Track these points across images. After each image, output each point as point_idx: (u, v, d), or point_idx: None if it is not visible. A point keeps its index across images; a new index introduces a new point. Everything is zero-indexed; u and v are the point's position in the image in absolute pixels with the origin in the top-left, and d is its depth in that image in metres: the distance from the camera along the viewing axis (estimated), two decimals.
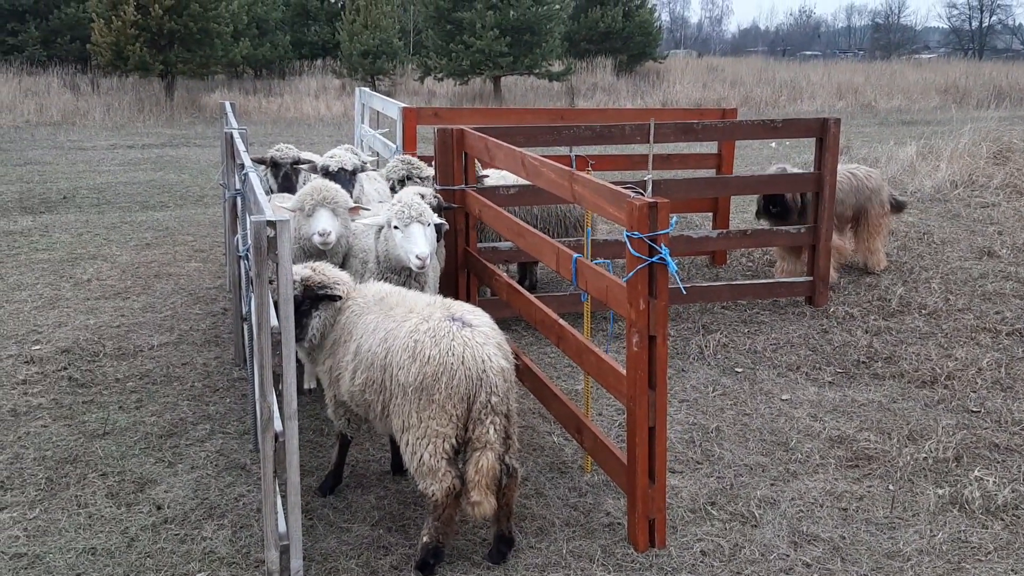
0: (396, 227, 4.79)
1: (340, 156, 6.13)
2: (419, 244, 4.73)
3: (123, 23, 23.94)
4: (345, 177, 5.97)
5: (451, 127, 6.16)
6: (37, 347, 6.62)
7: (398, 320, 4.06)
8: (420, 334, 3.90)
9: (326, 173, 5.98)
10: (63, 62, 30.33)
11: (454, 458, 3.88)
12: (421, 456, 3.84)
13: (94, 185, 13.46)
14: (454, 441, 3.85)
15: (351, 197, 5.71)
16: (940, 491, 4.63)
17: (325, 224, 5.10)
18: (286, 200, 5.66)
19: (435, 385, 3.80)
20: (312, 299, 4.26)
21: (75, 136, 19.67)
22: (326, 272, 4.39)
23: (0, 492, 4.59)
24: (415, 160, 6.56)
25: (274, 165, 6.85)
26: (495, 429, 3.85)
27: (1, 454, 4.99)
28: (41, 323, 7.15)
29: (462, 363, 3.81)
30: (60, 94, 24.98)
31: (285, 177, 6.79)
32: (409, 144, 8.19)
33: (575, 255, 4.55)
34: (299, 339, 4.26)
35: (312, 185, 5.31)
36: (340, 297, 4.31)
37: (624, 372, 4.10)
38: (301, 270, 4.33)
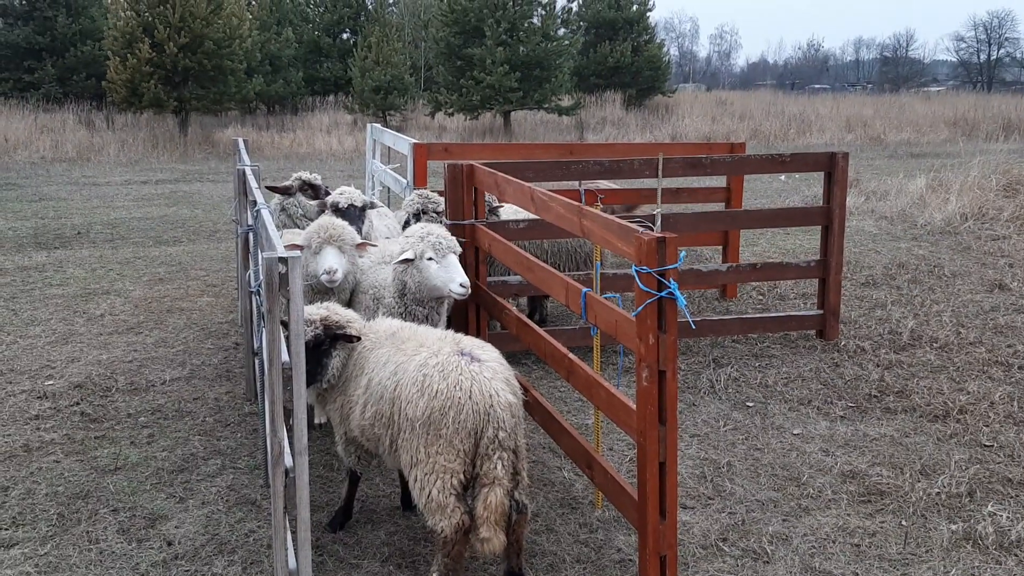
0: (431, 259, 4.87)
1: (349, 192, 6.15)
2: (460, 273, 4.87)
3: (138, 61, 24.32)
4: (355, 213, 5.98)
5: (461, 163, 6.20)
6: (50, 382, 6.66)
7: (408, 354, 4.08)
8: (429, 368, 3.92)
9: (335, 209, 6.01)
10: (79, 99, 30.82)
11: (463, 494, 3.87)
12: (429, 492, 3.83)
13: (108, 220, 13.59)
14: (462, 477, 3.84)
15: (360, 233, 5.74)
16: (953, 527, 4.59)
17: (332, 262, 5.11)
18: (297, 236, 5.71)
19: (442, 420, 3.81)
20: (332, 338, 4.28)
21: (90, 172, 19.89)
22: (339, 312, 4.43)
23: (12, 528, 4.60)
24: (431, 194, 6.63)
25: (312, 187, 6.94)
26: (503, 465, 3.84)
27: (13, 490, 5.01)
28: (54, 358, 7.20)
29: (469, 398, 3.82)
30: (75, 130, 25.28)
31: (327, 194, 6.92)
32: (420, 179, 8.27)
33: (584, 289, 4.56)
34: (318, 379, 4.29)
35: (318, 223, 5.32)
36: (358, 338, 4.34)
37: (634, 407, 4.09)
38: (317, 310, 4.36)
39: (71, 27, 31.87)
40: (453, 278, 4.85)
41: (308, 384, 4.16)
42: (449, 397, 3.82)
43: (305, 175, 7.03)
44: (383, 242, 6.06)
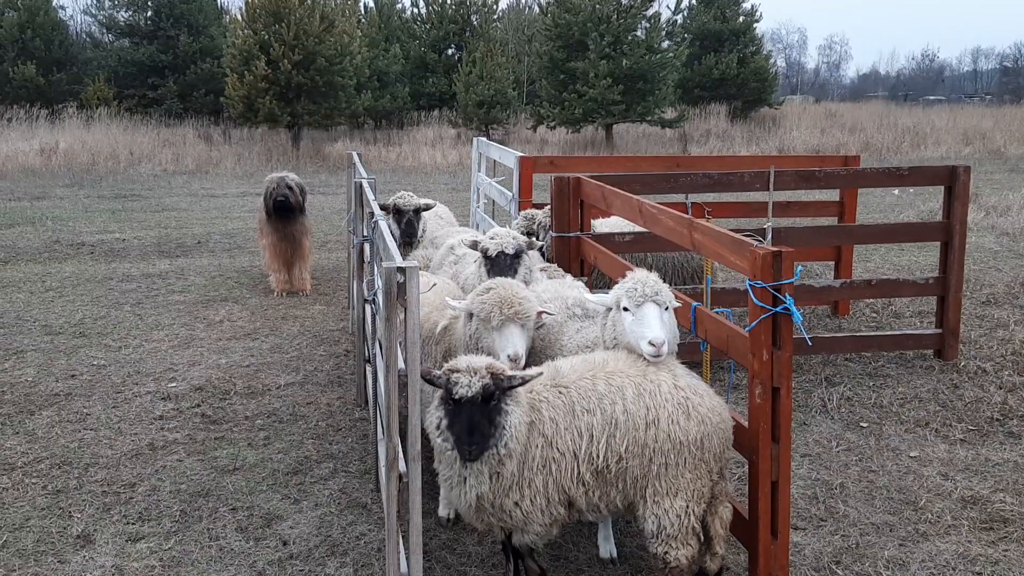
0: (626, 308, 4.01)
1: (501, 237, 5.36)
2: (652, 327, 3.89)
3: (254, 77, 25.23)
4: (504, 262, 5.24)
5: (567, 175, 6.24)
6: (173, 384, 6.97)
7: (633, 376, 3.81)
8: (687, 392, 3.80)
9: (485, 256, 5.34)
10: (198, 114, 32.23)
11: None
12: (685, 521, 3.73)
13: (226, 231, 14.13)
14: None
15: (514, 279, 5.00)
16: None
17: (518, 346, 4.22)
18: (437, 285, 5.28)
19: (707, 444, 3.76)
20: (502, 391, 3.57)
21: (208, 184, 20.71)
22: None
23: (139, 523, 4.84)
24: (535, 214, 6.68)
25: (397, 212, 7.18)
26: (729, 480, 3.90)
27: (140, 486, 5.26)
28: (177, 362, 7.53)
29: (722, 420, 3.85)
30: (195, 144, 26.39)
31: (408, 224, 7.13)
32: (525, 192, 8.34)
33: (694, 303, 4.52)
34: (493, 443, 3.54)
35: (498, 295, 4.32)
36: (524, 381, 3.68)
37: (746, 424, 4.04)
38: (482, 359, 3.73)
39: (192, 45, 33.40)
40: (643, 333, 3.88)
41: (481, 452, 3.53)
42: (711, 422, 3.78)
43: (400, 199, 7.33)
44: (546, 285, 5.22)
